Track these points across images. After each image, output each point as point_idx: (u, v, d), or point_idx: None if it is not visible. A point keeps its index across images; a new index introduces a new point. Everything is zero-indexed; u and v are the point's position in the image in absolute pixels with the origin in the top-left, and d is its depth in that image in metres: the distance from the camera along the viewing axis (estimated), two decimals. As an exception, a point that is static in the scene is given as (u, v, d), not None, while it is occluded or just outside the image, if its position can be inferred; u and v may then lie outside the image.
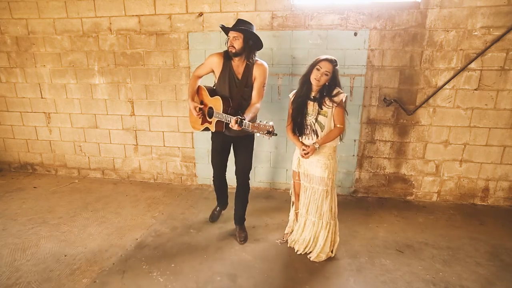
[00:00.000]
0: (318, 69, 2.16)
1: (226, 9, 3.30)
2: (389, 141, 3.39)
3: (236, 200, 2.72)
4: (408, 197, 3.52)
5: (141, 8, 3.46)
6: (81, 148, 4.14)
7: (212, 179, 2.83)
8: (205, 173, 3.83)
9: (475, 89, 3.12)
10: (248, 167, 2.61)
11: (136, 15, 3.50)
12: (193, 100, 2.49)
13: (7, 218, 3.07)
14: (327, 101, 2.19)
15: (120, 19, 3.54)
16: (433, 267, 2.35)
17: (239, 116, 2.09)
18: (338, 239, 2.47)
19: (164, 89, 3.68)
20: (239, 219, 2.75)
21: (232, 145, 2.63)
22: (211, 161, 2.72)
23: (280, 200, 3.48)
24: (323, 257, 2.41)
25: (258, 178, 3.75)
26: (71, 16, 3.64)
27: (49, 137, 4.18)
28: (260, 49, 2.40)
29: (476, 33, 2.98)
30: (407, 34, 3.08)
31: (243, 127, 2.06)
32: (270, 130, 1.95)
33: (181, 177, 3.96)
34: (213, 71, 2.46)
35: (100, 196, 3.59)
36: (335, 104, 2.19)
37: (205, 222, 2.99)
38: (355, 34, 3.15)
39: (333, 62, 2.16)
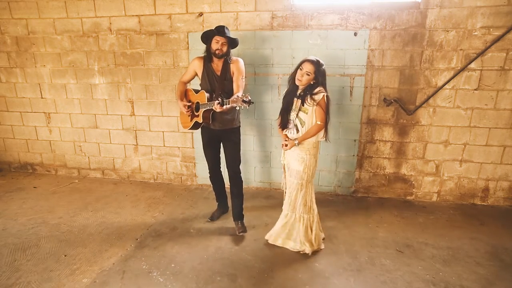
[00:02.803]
0: (300, 69, 2.29)
1: (226, 9, 3.30)
2: (389, 141, 3.39)
3: (232, 196, 2.83)
4: (408, 197, 3.52)
5: (141, 8, 3.46)
6: (81, 148, 4.14)
7: (209, 175, 2.97)
8: (205, 173, 3.81)
9: (475, 89, 3.12)
10: (236, 159, 2.76)
11: (136, 15, 3.50)
12: (181, 100, 2.74)
13: (7, 218, 3.07)
14: (309, 99, 2.28)
15: (120, 19, 3.54)
16: (433, 267, 2.35)
17: (219, 98, 2.38)
18: (320, 233, 2.54)
19: (164, 89, 3.68)
20: (238, 215, 2.81)
21: (221, 140, 2.79)
22: (205, 156, 2.89)
23: (280, 200, 3.45)
24: (303, 248, 2.47)
25: (258, 178, 3.75)
26: (71, 16, 3.64)
27: (49, 137, 4.18)
28: (236, 47, 2.72)
29: (476, 33, 2.98)
30: (407, 34, 3.08)
31: (225, 105, 2.32)
32: (246, 99, 2.20)
33: (181, 177, 3.96)
34: (196, 74, 2.73)
35: (100, 196, 3.59)
36: (315, 102, 2.26)
37: (205, 222, 2.99)
38: (355, 34, 3.15)
39: (314, 63, 2.25)
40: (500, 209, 3.32)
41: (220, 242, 2.66)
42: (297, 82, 2.32)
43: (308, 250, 2.46)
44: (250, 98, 2.21)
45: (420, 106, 3.22)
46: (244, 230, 2.75)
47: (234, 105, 2.26)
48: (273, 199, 3.52)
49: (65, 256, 2.48)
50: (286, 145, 2.43)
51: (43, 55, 3.84)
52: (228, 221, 2.97)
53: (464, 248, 2.60)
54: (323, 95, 2.26)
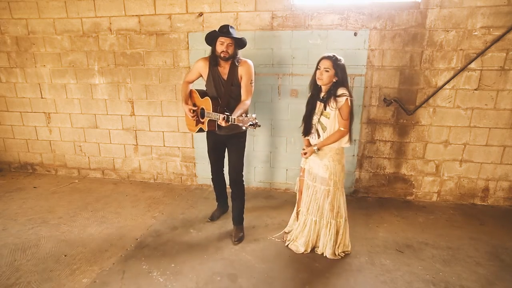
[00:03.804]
0: (319, 68, 2.21)
1: (226, 9, 3.30)
2: (389, 141, 3.39)
3: (233, 200, 2.75)
4: (408, 197, 3.52)
5: (141, 8, 3.46)
6: (81, 148, 4.14)
7: (211, 177, 2.93)
8: (205, 173, 3.83)
9: (475, 89, 3.12)
10: (239, 165, 2.65)
11: (136, 15, 3.50)
12: (186, 103, 2.61)
13: (7, 218, 3.07)
14: (332, 102, 2.19)
15: (120, 19, 3.54)
16: (433, 267, 2.35)
17: (226, 113, 2.21)
18: (346, 242, 2.47)
19: (164, 89, 3.68)
20: (237, 219, 2.75)
21: (225, 144, 2.69)
22: (209, 159, 2.85)
23: (280, 200, 3.48)
24: (328, 254, 2.43)
25: (258, 178, 3.75)
26: (71, 16, 3.64)
27: (49, 137, 4.18)
28: (244, 47, 2.50)
29: (476, 33, 2.98)
30: (407, 34, 3.08)
31: (230, 122, 2.19)
32: (253, 122, 2.07)
33: (181, 177, 3.96)
34: (201, 76, 2.58)
35: (100, 196, 3.59)
36: (338, 106, 2.18)
37: (205, 222, 2.99)
38: (355, 34, 3.15)
39: (331, 58, 2.18)
40: (500, 209, 3.32)
41: (220, 242, 2.66)
42: (318, 82, 2.23)
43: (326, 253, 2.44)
44: (257, 121, 2.09)
45: (420, 106, 3.22)
46: (240, 240, 2.67)
47: (240, 124, 2.11)
48: (273, 199, 3.52)
49: (65, 256, 2.48)
50: (305, 153, 2.35)
51: (43, 55, 3.84)
52: (228, 221, 2.96)
53: (464, 248, 2.60)
54: (346, 99, 2.16)
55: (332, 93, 2.20)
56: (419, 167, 3.41)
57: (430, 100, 3.21)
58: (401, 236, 2.77)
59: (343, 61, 2.21)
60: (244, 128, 2.11)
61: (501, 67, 3.02)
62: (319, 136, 2.31)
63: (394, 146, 3.40)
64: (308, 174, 2.43)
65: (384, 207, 3.34)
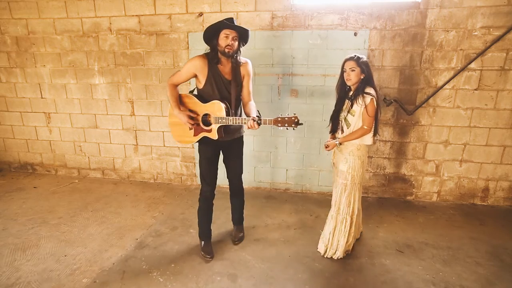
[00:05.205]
0: (345, 71, 2.28)
1: (226, 9, 3.30)
2: (389, 141, 3.39)
3: (233, 202, 2.69)
4: (408, 197, 3.52)
5: (141, 8, 3.46)
6: (81, 148, 4.14)
7: (201, 198, 2.46)
8: (205, 173, 3.83)
9: (475, 89, 3.12)
10: (241, 169, 2.57)
11: (136, 15, 3.50)
12: (179, 109, 2.23)
13: (7, 218, 3.07)
14: (359, 99, 2.24)
15: (120, 19, 3.54)
16: (433, 267, 2.35)
17: (256, 115, 2.09)
18: (351, 240, 2.46)
19: (164, 89, 3.68)
20: (237, 219, 2.75)
21: (222, 150, 2.46)
22: (202, 174, 2.39)
23: (280, 200, 3.48)
24: (338, 255, 2.43)
25: (258, 178, 3.75)
26: (71, 16, 3.64)
27: (49, 137, 4.18)
28: (246, 42, 2.29)
29: (476, 33, 2.98)
30: (407, 34, 3.08)
31: (262, 124, 2.09)
32: (297, 120, 2.00)
33: (181, 177, 3.96)
34: (195, 76, 2.24)
35: (100, 196, 3.59)
36: (363, 105, 2.23)
37: (205, 222, 2.99)
38: (355, 34, 3.15)
39: (353, 58, 2.24)
40: (500, 209, 3.32)
41: (220, 242, 2.66)
42: (348, 83, 2.28)
43: (332, 254, 2.44)
44: (298, 118, 1.97)
45: (420, 106, 3.22)
46: (240, 240, 2.67)
47: (279, 125, 1.97)
48: (273, 199, 3.52)
49: (65, 256, 2.48)
50: (327, 146, 2.41)
51: (43, 55, 3.84)
52: (228, 222, 2.96)
53: (464, 248, 2.60)
54: (371, 99, 2.20)
55: (360, 91, 2.25)
56: (419, 167, 3.41)
57: (430, 100, 3.21)
58: (401, 236, 2.77)
59: (365, 58, 2.27)
60: (280, 129, 2.05)
61: (501, 67, 3.02)
62: (342, 132, 2.38)
63: (394, 146, 3.40)
64: (334, 168, 2.51)
65: (384, 207, 3.34)
